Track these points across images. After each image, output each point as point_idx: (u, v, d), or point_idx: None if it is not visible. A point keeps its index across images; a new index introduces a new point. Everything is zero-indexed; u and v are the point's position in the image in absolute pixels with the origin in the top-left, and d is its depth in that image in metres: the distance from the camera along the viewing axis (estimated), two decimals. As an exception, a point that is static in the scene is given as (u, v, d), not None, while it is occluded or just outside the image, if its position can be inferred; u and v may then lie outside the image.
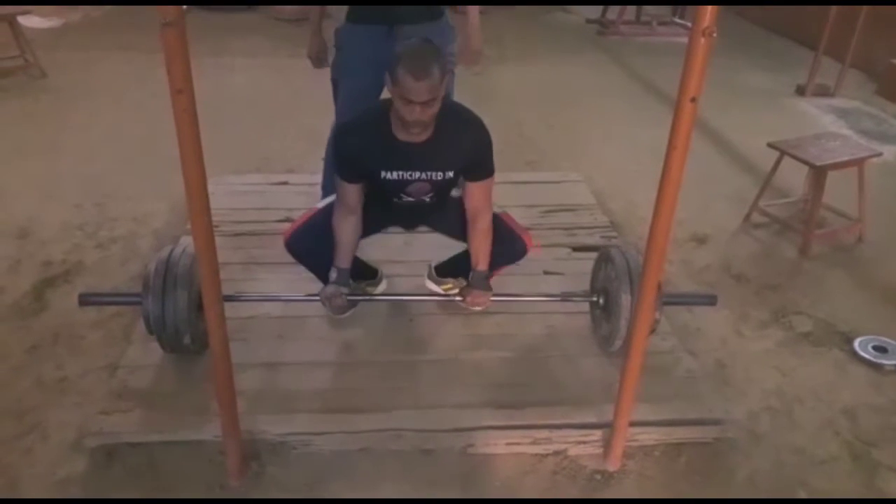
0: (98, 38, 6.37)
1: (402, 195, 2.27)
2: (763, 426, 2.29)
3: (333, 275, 2.32)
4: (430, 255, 2.84)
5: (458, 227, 2.41)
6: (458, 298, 2.39)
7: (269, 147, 4.22)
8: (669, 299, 2.39)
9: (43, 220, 3.34)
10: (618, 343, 2.30)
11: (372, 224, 2.38)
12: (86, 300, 2.32)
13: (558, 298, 2.59)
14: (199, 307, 2.17)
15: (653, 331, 2.17)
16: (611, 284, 2.35)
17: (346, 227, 2.28)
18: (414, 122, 2.00)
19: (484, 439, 2.12)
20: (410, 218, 2.50)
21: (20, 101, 4.86)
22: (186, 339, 2.21)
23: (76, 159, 3.99)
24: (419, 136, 2.08)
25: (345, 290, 2.31)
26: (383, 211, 2.36)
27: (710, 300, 2.49)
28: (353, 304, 2.58)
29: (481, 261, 2.33)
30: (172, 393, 2.22)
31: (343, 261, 2.32)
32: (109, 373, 2.34)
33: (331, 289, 2.30)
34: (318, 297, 2.31)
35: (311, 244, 2.36)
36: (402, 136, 2.11)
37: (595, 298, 2.46)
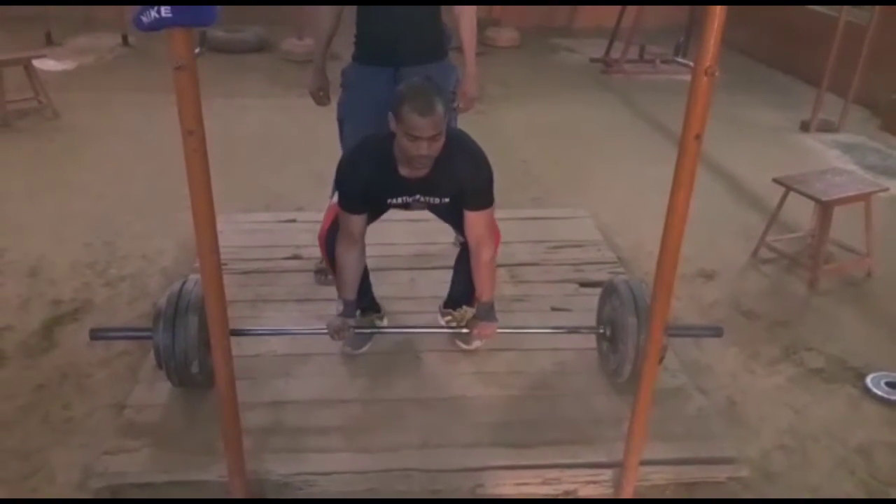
0: (110, 81, 6.49)
1: (403, 208, 2.35)
2: (777, 465, 2.26)
3: (339, 307, 2.32)
4: (436, 291, 2.84)
5: (451, 215, 2.38)
6: (464, 331, 2.40)
7: (277, 185, 4.26)
8: (674, 331, 2.37)
9: (53, 258, 3.37)
10: (627, 369, 2.28)
11: (374, 212, 2.35)
12: (96, 335, 2.32)
13: (564, 330, 2.60)
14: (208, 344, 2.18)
15: (660, 360, 2.16)
16: (616, 313, 2.35)
17: (352, 257, 2.29)
18: (419, 157, 2.03)
19: (493, 479, 2.09)
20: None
21: (34, 141, 4.94)
22: (194, 368, 2.20)
23: (87, 198, 4.04)
24: (421, 171, 2.13)
25: (351, 322, 2.32)
26: (386, 209, 2.37)
27: (716, 332, 2.47)
28: (369, 338, 2.58)
29: (485, 292, 2.34)
30: (178, 432, 2.20)
31: (349, 292, 2.32)
32: (116, 412, 2.33)
33: (337, 321, 2.30)
34: (325, 331, 2.31)
35: None
36: (404, 171, 2.17)
37: (601, 330, 2.45)
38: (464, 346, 2.59)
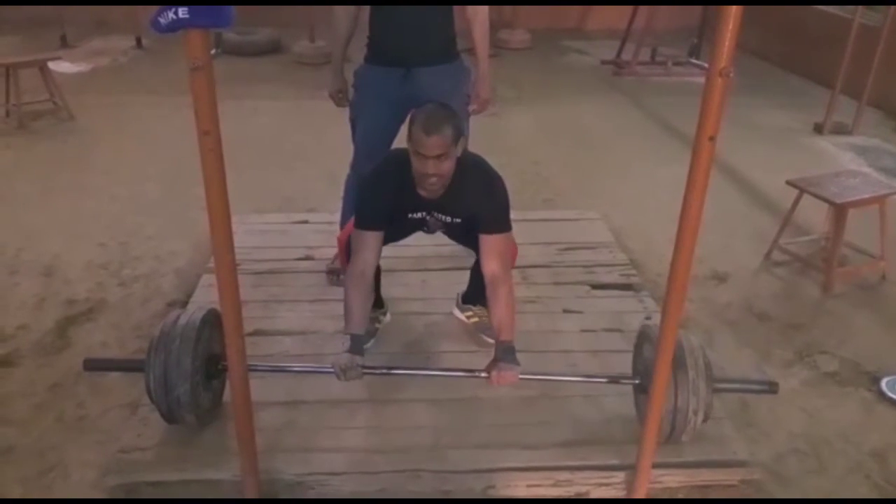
0: (125, 83, 6.55)
1: (421, 228, 2.40)
2: (790, 469, 2.24)
3: (346, 343, 2.15)
4: (446, 292, 2.85)
5: (471, 238, 2.36)
6: (483, 375, 2.18)
7: (290, 187, 4.28)
8: (723, 386, 2.17)
9: (68, 258, 3.40)
10: (683, 439, 2.10)
11: (396, 234, 2.38)
12: (91, 365, 2.26)
13: (603, 380, 2.35)
14: (208, 376, 2.14)
15: (706, 418, 2.08)
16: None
17: (361, 287, 2.22)
18: (426, 175, 2.09)
19: (504, 481, 2.09)
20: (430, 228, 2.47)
21: (49, 143, 4.98)
22: (188, 417, 2.10)
23: (101, 199, 4.07)
24: (435, 193, 2.18)
25: (359, 359, 2.14)
26: (405, 226, 2.41)
27: (771, 388, 2.22)
28: (373, 335, 2.57)
29: (504, 330, 2.19)
30: (192, 431, 2.21)
31: (357, 326, 2.19)
32: (130, 411, 2.35)
33: (345, 359, 2.11)
34: (332, 370, 2.13)
35: None
36: (420, 191, 2.21)
37: (638, 381, 2.23)
38: (489, 340, 2.53)
